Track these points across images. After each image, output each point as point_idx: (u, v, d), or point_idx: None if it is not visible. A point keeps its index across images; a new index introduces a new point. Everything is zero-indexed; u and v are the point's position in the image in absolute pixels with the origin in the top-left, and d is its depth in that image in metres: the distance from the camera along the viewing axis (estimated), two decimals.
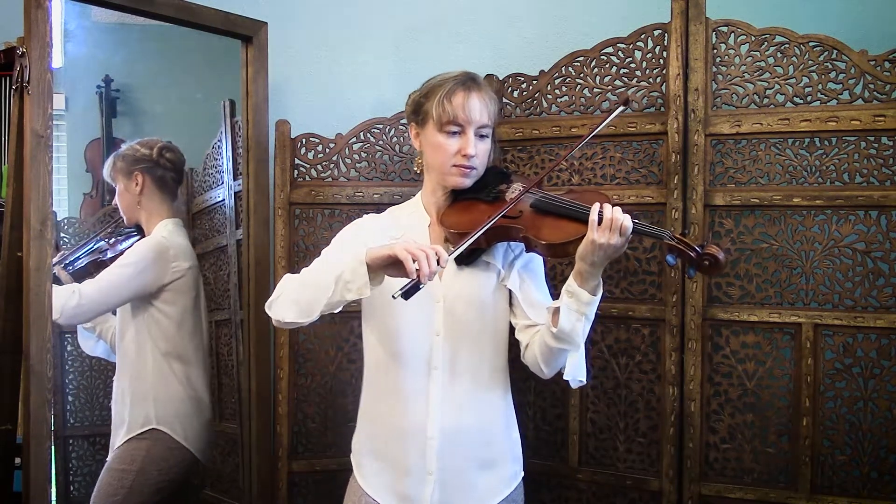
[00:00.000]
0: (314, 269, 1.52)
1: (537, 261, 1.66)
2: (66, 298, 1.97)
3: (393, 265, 1.35)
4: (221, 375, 2.27)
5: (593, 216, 1.41)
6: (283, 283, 1.54)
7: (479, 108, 1.56)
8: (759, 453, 1.83)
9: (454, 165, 1.57)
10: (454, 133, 1.57)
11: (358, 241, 1.59)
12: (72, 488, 2.34)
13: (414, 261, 1.31)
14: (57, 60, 1.93)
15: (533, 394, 2.01)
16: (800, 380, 1.78)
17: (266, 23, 2.10)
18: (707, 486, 1.85)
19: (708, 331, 1.85)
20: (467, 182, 1.59)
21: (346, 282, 1.40)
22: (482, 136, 1.59)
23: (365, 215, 1.70)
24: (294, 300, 1.48)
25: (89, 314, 2.07)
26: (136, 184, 2.17)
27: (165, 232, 2.16)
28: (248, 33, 2.07)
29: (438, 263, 1.33)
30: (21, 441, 1.71)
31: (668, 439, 1.87)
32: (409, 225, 1.64)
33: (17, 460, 1.80)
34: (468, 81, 1.59)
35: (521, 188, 1.59)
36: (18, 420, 1.81)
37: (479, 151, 1.58)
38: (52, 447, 1.75)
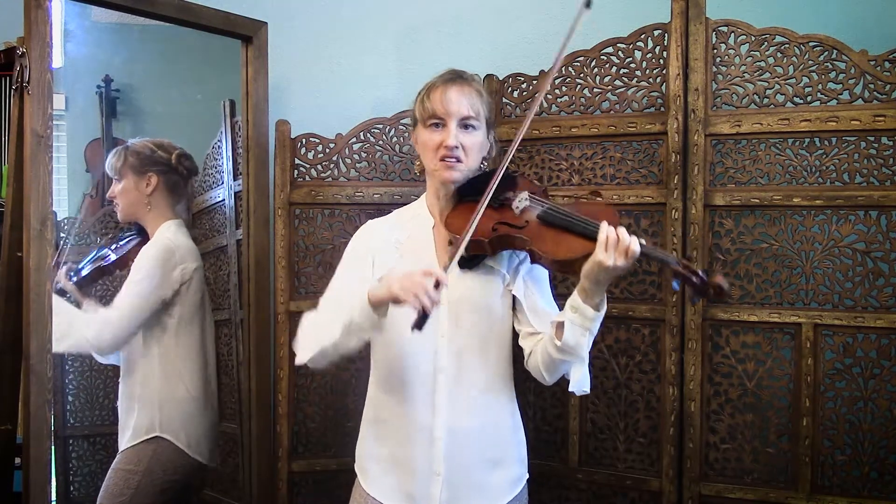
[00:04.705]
0: (327, 309, 1.54)
1: (541, 268, 1.65)
2: (97, 332, 1.98)
3: (394, 302, 1.39)
4: (221, 375, 2.27)
5: (601, 237, 1.40)
6: (302, 325, 1.56)
7: (456, 99, 1.55)
8: (759, 453, 1.83)
9: (440, 160, 1.56)
10: (437, 127, 1.57)
11: (368, 256, 1.61)
12: (72, 488, 2.34)
13: (414, 295, 1.34)
14: (57, 60, 1.93)
15: (533, 394, 2.01)
16: (800, 380, 1.78)
17: (266, 23, 2.10)
18: (707, 486, 1.85)
19: (708, 331, 1.85)
20: (455, 175, 1.57)
21: (358, 325, 1.44)
22: (467, 128, 1.57)
23: (369, 221, 1.69)
24: (314, 346, 1.51)
25: (124, 339, 2.06)
26: (148, 184, 2.15)
27: (169, 234, 2.14)
28: (248, 33, 2.07)
29: (438, 287, 1.34)
30: (21, 441, 1.71)
31: (668, 439, 1.87)
32: (414, 227, 1.64)
33: (17, 460, 1.80)
34: (450, 78, 1.59)
35: (528, 196, 1.57)
36: (18, 420, 1.81)
37: (465, 144, 1.56)
38: (52, 447, 1.75)
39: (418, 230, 1.63)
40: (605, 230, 1.40)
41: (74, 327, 1.95)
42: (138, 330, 2.07)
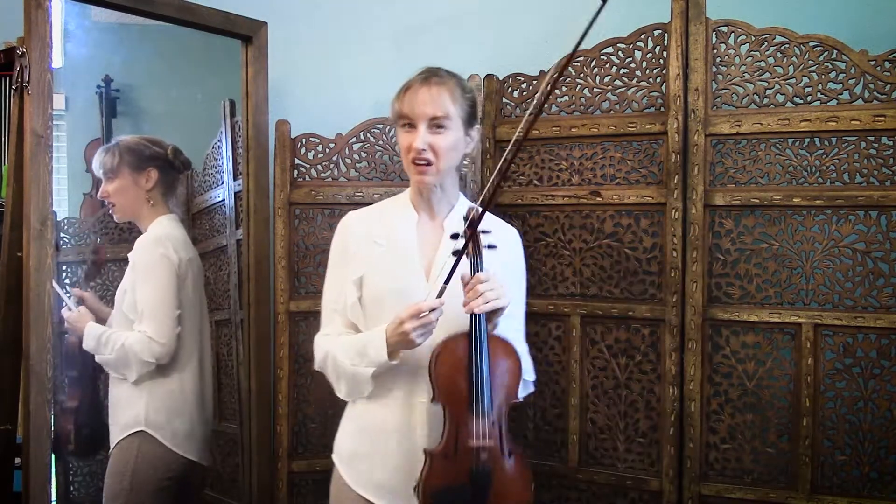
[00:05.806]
0: (345, 349, 1.57)
1: (520, 270, 1.67)
2: (146, 348, 1.98)
3: (411, 348, 1.46)
4: (221, 375, 2.27)
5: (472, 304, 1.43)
6: (318, 353, 1.62)
7: (424, 99, 1.52)
8: (759, 453, 1.83)
9: (411, 163, 1.54)
10: (408, 129, 1.54)
11: (348, 254, 1.60)
12: (72, 488, 2.34)
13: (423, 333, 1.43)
14: (57, 60, 1.92)
15: (533, 393, 2.01)
16: (800, 380, 1.78)
17: (266, 23, 2.10)
18: (707, 486, 1.85)
19: (708, 331, 1.85)
20: (428, 179, 1.54)
21: (373, 364, 1.52)
22: (438, 128, 1.53)
23: (348, 213, 1.66)
24: (341, 386, 1.60)
25: (173, 343, 2.03)
26: (147, 179, 2.11)
27: (159, 227, 2.10)
28: (247, 33, 2.08)
29: (432, 311, 1.42)
30: (21, 441, 1.72)
31: (668, 439, 1.87)
32: (397, 222, 1.62)
33: (17, 460, 1.80)
34: (424, 78, 1.55)
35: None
36: (18, 420, 1.81)
37: (436, 146, 1.52)
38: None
39: (402, 225, 1.61)
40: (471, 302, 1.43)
41: (129, 351, 1.98)
42: (177, 322, 2.05)
